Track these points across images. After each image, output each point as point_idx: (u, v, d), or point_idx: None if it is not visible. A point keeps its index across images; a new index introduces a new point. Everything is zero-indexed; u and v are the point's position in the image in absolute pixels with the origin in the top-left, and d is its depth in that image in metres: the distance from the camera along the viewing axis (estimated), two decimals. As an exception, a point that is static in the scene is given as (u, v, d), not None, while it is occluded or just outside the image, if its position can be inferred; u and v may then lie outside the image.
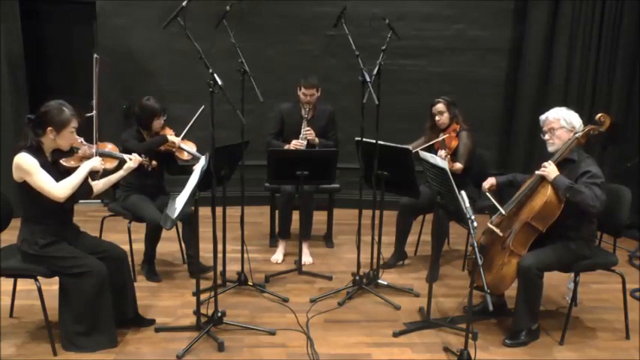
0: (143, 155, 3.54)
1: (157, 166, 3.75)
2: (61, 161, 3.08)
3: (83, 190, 3.08)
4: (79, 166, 3.08)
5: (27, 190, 2.92)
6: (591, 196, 3.08)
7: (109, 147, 3.46)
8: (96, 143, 3.19)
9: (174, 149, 4.02)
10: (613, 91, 5.44)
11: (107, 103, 5.68)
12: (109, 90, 5.68)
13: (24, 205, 3.02)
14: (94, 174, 3.09)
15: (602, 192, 3.10)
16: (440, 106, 4.23)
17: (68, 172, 3.08)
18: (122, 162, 3.40)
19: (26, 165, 2.88)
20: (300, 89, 4.48)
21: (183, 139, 4.07)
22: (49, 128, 2.95)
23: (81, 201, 3.06)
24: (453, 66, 5.80)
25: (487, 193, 3.49)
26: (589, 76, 5.47)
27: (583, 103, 5.44)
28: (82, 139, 3.17)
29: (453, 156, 4.11)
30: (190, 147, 4.07)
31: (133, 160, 3.41)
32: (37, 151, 2.96)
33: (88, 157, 3.13)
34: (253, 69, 3.72)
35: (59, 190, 2.91)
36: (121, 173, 3.38)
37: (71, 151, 3.11)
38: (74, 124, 3.01)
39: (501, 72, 5.89)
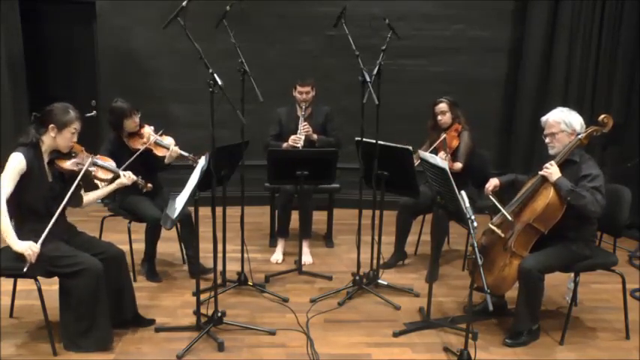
0: (140, 177, 3.50)
1: (151, 188, 3.64)
2: (56, 161, 3.10)
3: (72, 200, 3.12)
4: (72, 171, 3.10)
5: (14, 189, 2.92)
6: (592, 201, 3.09)
7: (108, 162, 3.42)
8: (92, 156, 3.21)
9: (151, 147, 3.93)
10: (613, 91, 5.43)
11: (107, 103, 5.70)
12: (109, 90, 5.69)
13: (12, 205, 2.98)
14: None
15: (602, 197, 3.12)
16: (442, 106, 4.24)
17: (62, 174, 3.11)
18: (116, 176, 3.38)
19: (9, 162, 2.91)
20: (296, 89, 4.56)
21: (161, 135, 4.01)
22: (51, 125, 3.00)
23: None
24: (453, 66, 5.80)
25: (490, 196, 3.43)
26: (589, 76, 5.47)
27: (583, 103, 5.43)
28: (83, 148, 3.20)
29: (454, 155, 4.13)
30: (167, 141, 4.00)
31: (126, 178, 3.39)
32: (34, 149, 2.98)
33: (82, 163, 3.14)
34: (253, 69, 3.72)
35: None
36: (112, 187, 3.38)
37: (69, 155, 3.14)
38: (76, 125, 3.06)
39: (501, 72, 5.88)
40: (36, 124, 3.04)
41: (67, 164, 3.12)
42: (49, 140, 3.04)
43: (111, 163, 3.41)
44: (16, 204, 2.98)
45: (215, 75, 3.11)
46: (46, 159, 3.07)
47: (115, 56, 5.69)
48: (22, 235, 2.96)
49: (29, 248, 2.90)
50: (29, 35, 5.45)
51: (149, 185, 3.59)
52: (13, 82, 5.26)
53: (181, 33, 3.05)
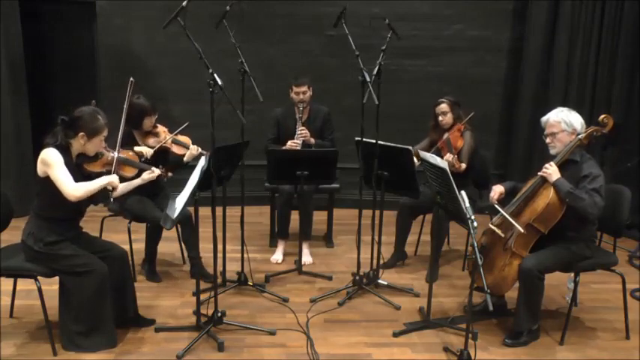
0: (161, 166, 3.52)
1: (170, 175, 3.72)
2: (85, 166, 3.12)
3: (101, 195, 3.12)
4: (100, 172, 3.14)
5: (48, 185, 2.94)
6: (591, 203, 3.09)
7: (131, 154, 3.46)
8: (118, 151, 3.23)
9: (168, 146, 3.94)
10: (613, 91, 5.44)
11: (107, 103, 5.71)
12: (109, 90, 5.70)
13: (40, 199, 3.04)
14: (108, 190, 3.09)
15: (601, 199, 3.13)
16: (443, 107, 4.24)
17: (90, 176, 3.13)
18: (141, 170, 3.41)
19: (50, 159, 2.92)
20: (292, 90, 4.51)
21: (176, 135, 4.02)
22: (81, 133, 3.01)
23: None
24: (453, 66, 5.80)
25: (496, 205, 3.36)
26: (589, 76, 5.47)
27: (583, 103, 5.44)
28: (105, 145, 3.19)
29: (458, 155, 4.13)
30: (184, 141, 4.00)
31: (152, 174, 3.40)
32: (64, 151, 3.00)
33: (110, 164, 3.17)
34: (253, 69, 3.72)
35: (74, 189, 2.93)
36: (139, 182, 3.38)
37: (95, 157, 3.16)
38: (105, 132, 3.08)
39: (501, 72, 5.89)
40: (64, 127, 3.02)
41: (96, 167, 3.15)
42: (77, 145, 3.05)
43: (135, 160, 3.45)
44: (49, 202, 2.99)
45: (215, 75, 3.12)
46: (74, 160, 3.08)
47: (115, 56, 5.69)
48: (53, 232, 3.02)
49: (113, 179, 3.06)
50: (29, 35, 5.45)
51: (169, 174, 3.67)
52: (13, 82, 5.25)
53: (181, 33, 3.06)
